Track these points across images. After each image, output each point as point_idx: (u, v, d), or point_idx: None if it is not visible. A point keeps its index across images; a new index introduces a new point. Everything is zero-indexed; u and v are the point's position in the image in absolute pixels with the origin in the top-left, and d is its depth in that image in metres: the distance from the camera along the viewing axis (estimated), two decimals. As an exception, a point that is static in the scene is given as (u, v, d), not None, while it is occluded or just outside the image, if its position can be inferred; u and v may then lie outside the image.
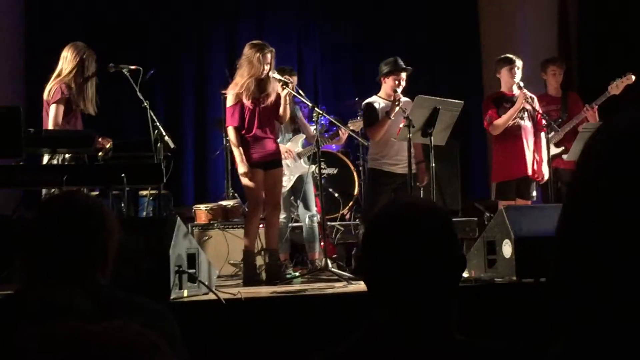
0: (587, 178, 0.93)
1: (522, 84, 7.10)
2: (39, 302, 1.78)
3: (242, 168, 6.50)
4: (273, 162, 6.65)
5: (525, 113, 7.20)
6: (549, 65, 7.84)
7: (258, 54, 6.46)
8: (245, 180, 6.53)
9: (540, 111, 7.22)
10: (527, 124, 7.19)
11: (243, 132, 6.55)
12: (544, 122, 7.13)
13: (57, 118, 6.43)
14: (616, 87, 7.22)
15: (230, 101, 6.58)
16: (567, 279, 0.91)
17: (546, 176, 7.18)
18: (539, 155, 7.23)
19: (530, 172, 7.16)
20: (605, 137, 0.95)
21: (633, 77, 7.19)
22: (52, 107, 6.43)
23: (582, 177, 0.94)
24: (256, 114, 6.54)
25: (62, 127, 6.45)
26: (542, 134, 7.22)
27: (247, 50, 6.55)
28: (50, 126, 6.41)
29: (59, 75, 6.55)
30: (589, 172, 0.93)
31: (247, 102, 6.49)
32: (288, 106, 6.67)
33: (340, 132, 7.35)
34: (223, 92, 6.71)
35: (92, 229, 2.14)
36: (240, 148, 6.51)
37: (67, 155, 6.28)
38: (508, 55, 7.31)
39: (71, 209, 2.15)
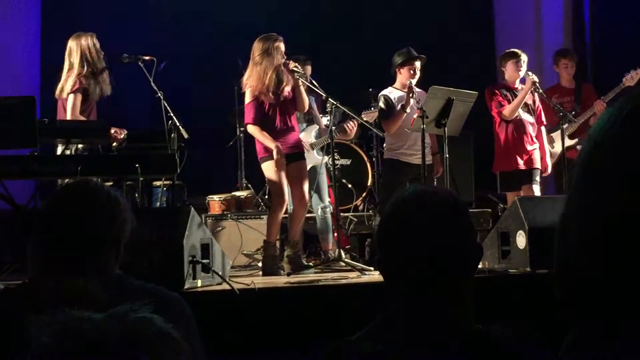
0: (589, 159, 0.90)
1: (530, 73, 7.09)
2: (53, 291, 1.79)
3: (276, 156, 6.45)
4: (295, 154, 6.65)
5: (527, 107, 7.21)
6: (560, 59, 7.85)
7: (275, 43, 6.46)
8: (269, 174, 6.53)
9: (540, 105, 7.24)
10: (528, 117, 7.21)
11: (265, 126, 6.55)
12: (560, 114, 7.12)
13: (75, 108, 6.46)
14: (631, 79, 7.22)
15: (248, 97, 6.57)
16: (571, 267, 0.89)
17: (549, 169, 7.23)
18: (541, 148, 7.24)
19: (532, 164, 7.16)
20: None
21: None
22: (70, 97, 6.46)
23: (585, 159, 0.91)
24: (277, 107, 6.55)
25: (78, 117, 6.48)
26: (542, 128, 7.27)
27: (257, 44, 6.53)
28: (68, 116, 6.44)
29: (70, 68, 6.58)
30: (590, 152, 0.90)
31: (269, 97, 6.49)
32: (304, 94, 6.65)
33: (347, 127, 7.28)
34: (242, 91, 6.70)
35: (105, 218, 2.14)
36: (270, 139, 6.50)
37: (80, 146, 6.30)
38: (513, 49, 7.31)
39: (84, 198, 2.15)
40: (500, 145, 7.30)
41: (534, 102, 7.25)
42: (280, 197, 6.56)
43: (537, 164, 7.20)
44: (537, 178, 7.26)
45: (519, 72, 7.16)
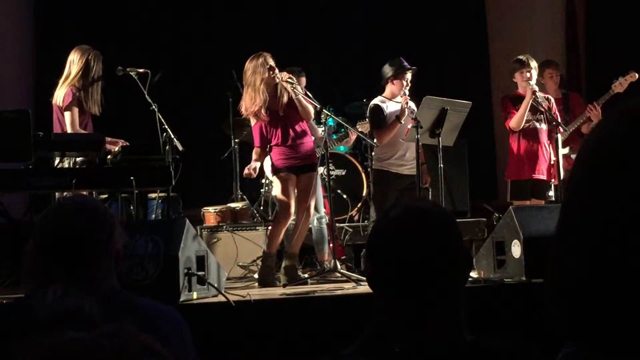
0: (591, 172, 0.90)
1: (532, 83, 7.03)
2: (49, 308, 1.79)
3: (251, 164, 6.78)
4: (306, 166, 6.65)
5: (541, 115, 7.14)
6: (545, 69, 7.81)
7: (260, 59, 6.47)
8: (278, 186, 6.60)
9: (557, 112, 7.20)
10: (542, 126, 7.15)
11: (272, 143, 6.62)
12: (553, 122, 7.11)
13: (74, 122, 6.46)
14: (620, 86, 7.22)
15: (252, 120, 6.69)
16: (571, 278, 0.89)
17: (562, 176, 7.10)
18: (555, 156, 7.16)
19: (543, 174, 7.11)
20: (610, 128, 0.91)
21: (637, 75, 7.19)
22: (67, 113, 6.47)
23: (586, 172, 0.91)
24: (279, 121, 6.56)
25: (78, 131, 6.49)
26: (559, 135, 7.20)
27: (246, 66, 6.56)
28: (69, 131, 6.44)
29: (66, 79, 6.58)
30: (591, 166, 0.90)
31: (268, 113, 6.51)
32: (304, 102, 6.64)
33: (349, 132, 7.37)
34: (243, 117, 6.80)
35: (100, 232, 2.14)
36: (257, 163, 6.79)
37: (78, 159, 6.31)
38: (520, 57, 7.20)
39: (78, 212, 2.15)
40: (513, 153, 7.24)
41: (549, 108, 7.17)
42: (286, 211, 6.57)
43: (548, 174, 7.12)
44: (550, 192, 7.18)
45: (530, 80, 7.04)
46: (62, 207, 2.21)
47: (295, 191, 6.64)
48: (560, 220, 0.93)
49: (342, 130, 7.61)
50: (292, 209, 6.59)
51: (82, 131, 6.53)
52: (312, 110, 6.74)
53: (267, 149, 6.70)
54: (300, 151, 6.63)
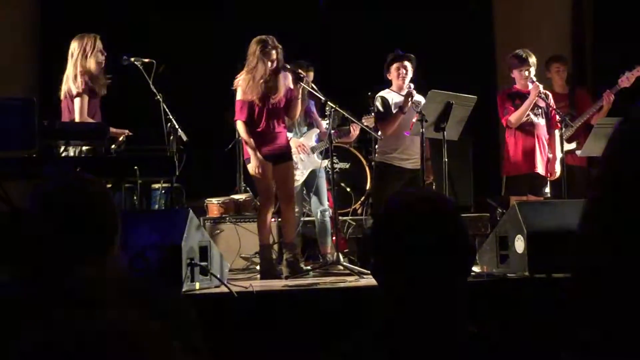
0: (615, 168, 0.88)
1: (534, 79, 7.02)
2: (63, 288, 1.78)
3: (253, 162, 6.48)
4: (282, 155, 6.62)
5: (539, 110, 7.12)
6: (552, 63, 7.78)
7: (266, 49, 6.41)
8: (254, 174, 6.53)
9: (554, 107, 7.17)
10: (540, 121, 7.11)
11: (251, 127, 6.55)
12: (557, 118, 7.09)
13: (83, 111, 6.46)
14: (626, 80, 7.20)
15: (239, 95, 6.55)
16: (594, 272, 0.88)
17: (558, 174, 7.07)
18: (552, 152, 7.13)
19: (540, 169, 7.08)
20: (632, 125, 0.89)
21: None
22: (77, 101, 6.45)
23: (609, 168, 0.90)
24: (264, 110, 6.52)
25: (86, 119, 6.49)
26: (556, 131, 7.15)
27: (252, 46, 6.50)
28: (77, 119, 6.44)
29: (72, 70, 6.58)
30: (616, 161, 0.89)
31: (258, 100, 6.48)
32: (299, 101, 6.64)
33: (351, 128, 7.34)
34: (234, 88, 6.71)
35: (105, 213, 2.11)
36: (252, 142, 6.48)
37: (83, 148, 6.31)
38: (518, 52, 7.14)
39: (82, 193, 2.12)
40: (509, 149, 7.21)
41: (547, 104, 7.14)
42: (266, 199, 6.56)
43: (544, 170, 7.08)
44: (547, 190, 7.14)
45: (526, 77, 6.99)
46: (64, 189, 2.16)
47: (274, 181, 6.60)
48: (583, 211, 0.91)
49: (347, 124, 7.58)
50: (272, 197, 6.57)
51: (90, 120, 6.52)
52: (299, 113, 6.74)
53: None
54: (276, 140, 6.60)
